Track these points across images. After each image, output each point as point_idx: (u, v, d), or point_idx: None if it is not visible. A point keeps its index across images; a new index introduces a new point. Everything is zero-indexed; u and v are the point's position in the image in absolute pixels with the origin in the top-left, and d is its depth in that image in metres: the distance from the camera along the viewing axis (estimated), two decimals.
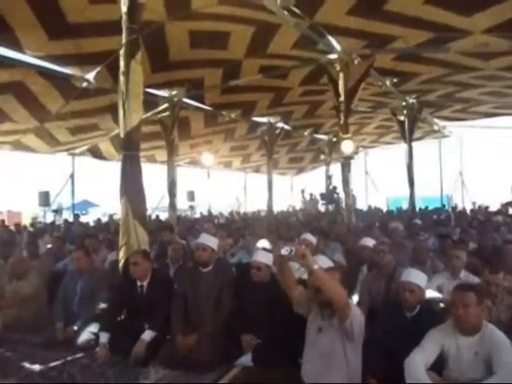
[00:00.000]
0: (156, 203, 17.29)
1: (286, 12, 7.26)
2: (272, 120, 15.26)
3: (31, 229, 12.35)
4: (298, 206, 21.80)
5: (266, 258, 4.02)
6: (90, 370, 3.72)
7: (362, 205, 20.13)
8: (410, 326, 3.12)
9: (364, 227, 8.94)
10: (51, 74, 9.25)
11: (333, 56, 9.07)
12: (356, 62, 8.90)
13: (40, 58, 8.63)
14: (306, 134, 18.16)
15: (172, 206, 11.62)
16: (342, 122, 8.98)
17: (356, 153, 9.44)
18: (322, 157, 20.18)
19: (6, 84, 9.16)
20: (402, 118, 13.41)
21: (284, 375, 3.25)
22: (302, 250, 2.64)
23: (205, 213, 19.53)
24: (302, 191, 20.85)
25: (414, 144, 13.66)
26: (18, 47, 7.99)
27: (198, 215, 18.88)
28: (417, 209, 14.55)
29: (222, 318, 3.95)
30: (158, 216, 14.95)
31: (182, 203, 17.71)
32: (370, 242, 5.07)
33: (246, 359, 3.68)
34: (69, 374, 3.65)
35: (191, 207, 19.52)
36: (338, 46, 8.80)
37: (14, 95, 9.64)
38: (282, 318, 3.53)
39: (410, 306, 3.24)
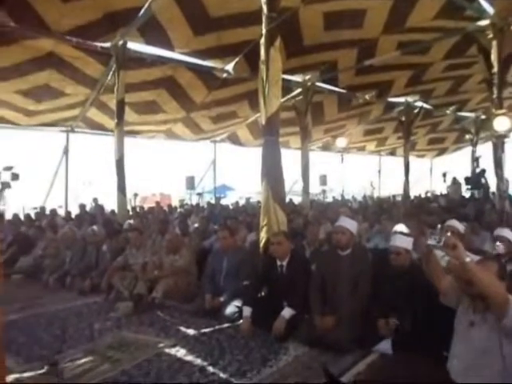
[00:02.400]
0: (289, 187, 17.70)
1: None
2: (410, 99, 14.35)
3: (181, 209, 13.74)
4: (438, 190, 20.12)
5: (405, 243, 3.84)
6: (236, 340, 4.05)
7: None
8: None
9: None
10: (197, 68, 10.16)
11: (484, 22, 8.08)
12: None
13: (187, 53, 9.50)
14: (448, 112, 16.65)
15: (305, 190, 11.81)
16: (494, 96, 8.01)
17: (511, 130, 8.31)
18: (468, 136, 18.28)
19: (159, 80, 10.35)
20: None
21: (426, 367, 3.08)
22: (453, 239, 2.44)
23: (337, 197, 19.34)
24: (444, 175, 19.14)
25: None
26: (169, 46, 8.91)
27: (329, 199, 18.80)
28: None
29: (360, 303, 3.90)
30: (291, 200, 15.30)
31: (315, 187, 17.78)
32: None
33: (386, 346, 3.60)
34: (217, 341, 4.03)
35: (323, 191, 19.51)
36: (490, 10, 7.82)
37: (165, 89, 10.84)
38: (425, 307, 3.36)
39: None
